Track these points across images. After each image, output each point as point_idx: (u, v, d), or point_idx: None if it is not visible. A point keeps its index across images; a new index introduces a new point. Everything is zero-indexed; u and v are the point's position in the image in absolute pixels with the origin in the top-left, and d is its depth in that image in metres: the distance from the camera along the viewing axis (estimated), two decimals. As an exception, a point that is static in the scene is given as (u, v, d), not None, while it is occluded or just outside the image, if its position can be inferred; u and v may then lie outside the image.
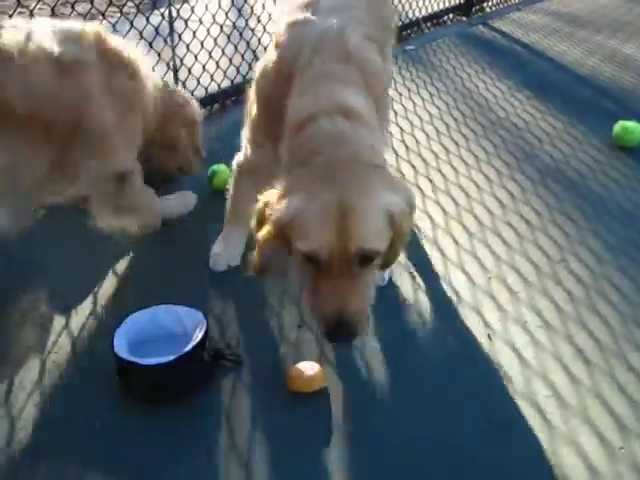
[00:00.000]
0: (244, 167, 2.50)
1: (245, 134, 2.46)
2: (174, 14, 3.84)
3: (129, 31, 3.58)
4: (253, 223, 1.97)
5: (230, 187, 2.60)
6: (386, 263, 1.95)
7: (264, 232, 1.87)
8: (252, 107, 2.34)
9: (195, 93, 3.95)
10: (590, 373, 2.16)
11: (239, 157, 2.53)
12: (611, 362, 2.20)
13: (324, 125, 1.92)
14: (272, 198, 1.88)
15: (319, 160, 1.87)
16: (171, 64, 3.87)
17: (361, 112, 1.99)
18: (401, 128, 3.80)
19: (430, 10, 5.85)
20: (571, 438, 1.94)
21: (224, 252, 2.59)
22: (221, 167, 3.08)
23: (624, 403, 2.05)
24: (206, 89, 4.02)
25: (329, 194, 1.76)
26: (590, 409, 2.03)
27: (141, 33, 3.63)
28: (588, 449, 1.91)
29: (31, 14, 3.05)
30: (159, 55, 3.76)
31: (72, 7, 3.43)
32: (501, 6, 6.52)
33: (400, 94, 4.26)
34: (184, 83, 3.96)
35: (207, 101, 4.04)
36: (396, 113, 3.99)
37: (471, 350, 2.24)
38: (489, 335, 2.30)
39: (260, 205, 1.93)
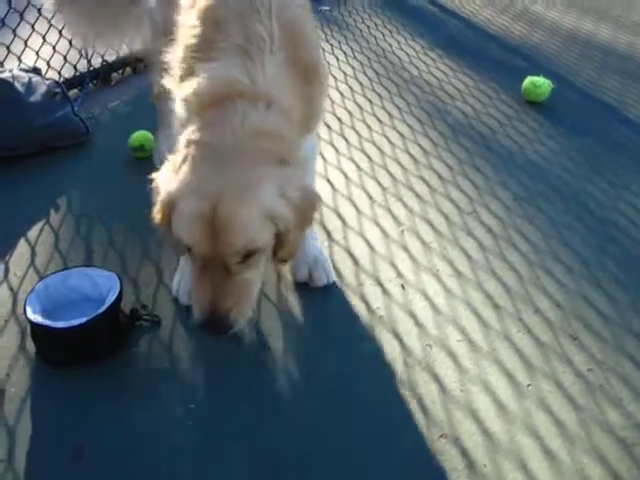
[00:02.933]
0: None
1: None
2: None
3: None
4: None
5: None
6: (283, 257, 1.88)
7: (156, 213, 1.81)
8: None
9: (105, 57, 3.87)
10: (499, 317, 2.24)
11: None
12: (519, 306, 2.28)
13: (240, 108, 1.75)
14: (159, 172, 1.83)
15: (216, 142, 1.73)
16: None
17: (286, 102, 1.83)
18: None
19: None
20: (481, 378, 2.01)
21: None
22: (145, 137, 3.04)
23: (531, 344, 2.14)
24: (117, 52, 3.92)
25: (208, 187, 1.67)
26: (499, 351, 2.11)
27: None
28: (497, 387, 1.99)
29: None
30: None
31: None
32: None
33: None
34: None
35: (118, 65, 3.95)
36: (311, 73, 3.97)
37: (385, 300, 2.29)
38: (402, 285, 2.35)
39: (152, 182, 1.85)
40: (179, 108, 1.91)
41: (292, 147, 1.85)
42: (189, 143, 1.77)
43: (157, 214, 1.80)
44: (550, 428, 1.87)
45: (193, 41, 1.93)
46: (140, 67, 3.93)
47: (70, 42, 3.72)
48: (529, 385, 2.00)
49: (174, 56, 2.05)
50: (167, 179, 1.77)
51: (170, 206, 1.73)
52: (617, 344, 2.14)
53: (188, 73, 1.92)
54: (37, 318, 2.03)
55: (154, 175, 1.85)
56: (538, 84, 3.67)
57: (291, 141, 1.85)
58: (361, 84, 3.89)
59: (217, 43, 1.87)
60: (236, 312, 1.74)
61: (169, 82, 2.08)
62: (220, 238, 1.66)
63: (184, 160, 1.75)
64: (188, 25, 1.97)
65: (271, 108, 1.78)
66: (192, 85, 1.84)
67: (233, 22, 1.88)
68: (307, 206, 1.83)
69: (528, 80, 3.70)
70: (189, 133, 1.79)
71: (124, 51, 3.89)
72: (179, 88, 1.95)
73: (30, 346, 2.09)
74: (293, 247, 1.87)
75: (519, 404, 1.94)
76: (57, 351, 2.05)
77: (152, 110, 2.41)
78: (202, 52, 1.89)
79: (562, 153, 3.22)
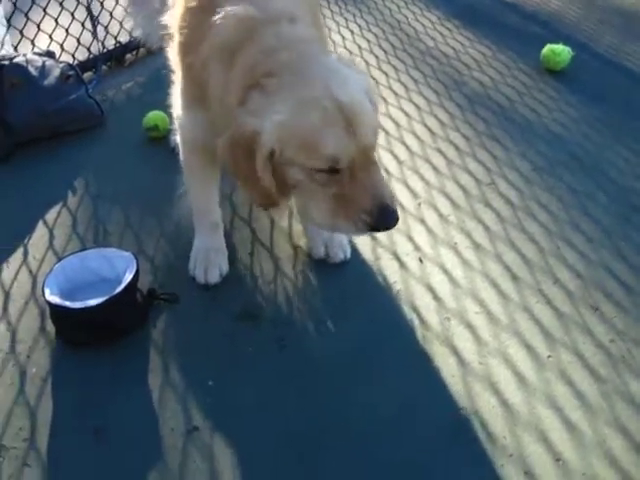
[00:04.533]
0: (189, 144, 2.19)
1: (177, 99, 2.18)
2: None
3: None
4: (227, 159, 1.78)
5: (186, 180, 2.30)
6: None
7: (251, 163, 1.69)
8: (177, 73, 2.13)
9: (119, 38, 3.86)
10: (518, 289, 2.21)
11: (179, 130, 2.21)
12: (538, 277, 2.25)
13: (270, 33, 1.77)
14: (238, 121, 1.70)
15: (276, 63, 1.70)
16: (92, 8, 3.74)
17: (303, 15, 1.88)
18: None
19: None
20: (500, 350, 2.00)
21: (213, 260, 2.27)
22: (159, 117, 3.02)
23: (551, 315, 2.11)
24: (130, 33, 3.90)
25: (316, 92, 1.64)
26: (519, 322, 2.09)
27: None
28: (517, 359, 1.97)
29: None
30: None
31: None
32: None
33: (329, 29, 4.20)
34: (106, 27, 3.85)
35: (132, 46, 3.94)
36: (326, 48, 3.93)
37: (403, 274, 2.27)
38: (420, 258, 2.33)
39: (228, 138, 1.74)
40: (213, 67, 1.84)
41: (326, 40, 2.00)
42: (250, 86, 1.72)
43: (259, 159, 1.67)
44: (570, 399, 1.85)
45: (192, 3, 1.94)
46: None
47: (83, 24, 3.71)
48: (549, 356, 1.98)
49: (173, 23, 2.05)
50: (257, 120, 1.66)
51: (282, 135, 1.65)
52: (639, 314, 2.10)
53: (195, 35, 1.91)
54: (55, 299, 2.04)
55: (232, 132, 1.72)
56: (557, 51, 3.59)
57: (324, 42, 1.98)
58: (377, 57, 3.84)
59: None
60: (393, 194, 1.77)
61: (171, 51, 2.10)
62: (359, 130, 1.64)
63: (259, 96, 1.69)
64: None
65: (295, 21, 1.82)
66: (213, 42, 1.82)
67: None
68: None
69: (547, 48, 3.62)
70: (241, 77, 1.75)
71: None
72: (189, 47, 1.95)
73: (50, 327, 2.11)
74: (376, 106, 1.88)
75: (539, 376, 1.92)
76: (76, 331, 2.06)
77: (166, 90, 2.40)
78: (203, 12, 1.88)
79: (582, 121, 3.16)
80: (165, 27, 2.24)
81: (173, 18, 2.09)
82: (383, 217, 1.69)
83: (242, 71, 1.76)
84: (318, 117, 1.62)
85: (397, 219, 1.71)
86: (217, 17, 1.83)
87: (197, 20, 1.92)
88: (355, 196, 1.68)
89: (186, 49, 1.99)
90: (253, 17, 1.80)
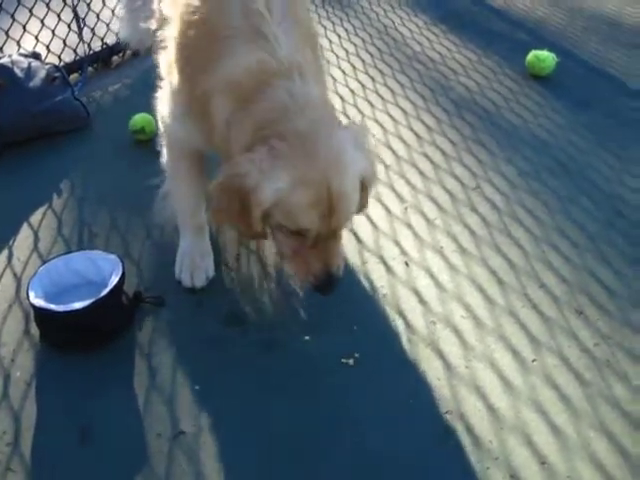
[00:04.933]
0: (176, 150, 2.23)
1: (166, 105, 2.19)
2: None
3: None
4: (219, 198, 1.86)
5: (170, 184, 2.32)
6: (364, 205, 2.02)
7: (242, 209, 1.81)
8: (172, 74, 2.12)
9: (105, 40, 3.85)
10: (504, 293, 2.22)
11: (166, 135, 2.24)
12: (524, 281, 2.27)
13: (283, 89, 1.82)
14: (240, 170, 1.79)
15: (289, 129, 1.79)
16: (78, 10, 3.72)
17: (309, 61, 1.93)
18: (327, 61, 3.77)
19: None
20: (486, 354, 2.00)
21: (199, 264, 2.27)
22: (146, 120, 3.02)
23: (537, 319, 2.13)
24: (117, 35, 3.89)
25: (315, 175, 1.75)
26: (504, 326, 2.10)
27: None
28: (502, 363, 1.98)
29: None
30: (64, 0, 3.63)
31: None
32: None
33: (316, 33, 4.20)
34: (92, 29, 3.83)
35: (119, 48, 3.92)
36: (312, 52, 3.94)
37: (389, 278, 2.28)
38: (406, 262, 2.34)
39: (226, 180, 1.83)
40: (220, 101, 1.90)
41: (329, 97, 2.04)
42: (260, 139, 1.81)
43: (255, 211, 1.80)
44: (556, 403, 1.86)
45: (193, 18, 1.94)
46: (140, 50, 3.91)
47: (69, 26, 3.69)
48: (534, 360, 1.99)
49: (170, 34, 2.04)
50: (260, 178, 1.76)
51: (273, 201, 1.78)
52: (623, 318, 2.12)
53: (199, 59, 1.94)
54: (40, 302, 2.03)
55: (233, 176, 1.81)
56: (542, 58, 3.62)
57: (327, 92, 2.03)
58: (363, 61, 3.85)
59: (223, 29, 1.89)
60: (340, 264, 1.93)
61: (164, 60, 2.09)
62: (336, 213, 1.79)
63: (268, 156, 1.77)
64: (183, 2, 1.98)
65: (304, 74, 1.86)
66: (222, 77, 1.87)
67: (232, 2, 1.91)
68: (369, 143, 1.97)
69: (532, 54, 3.66)
70: (250, 128, 1.83)
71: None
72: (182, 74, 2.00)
73: (34, 330, 2.10)
74: (366, 204, 2.03)
75: (524, 380, 1.93)
76: (61, 334, 2.05)
77: (153, 92, 2.40)
78: (208, 36, 1.91)
79: (567, 127, 3.19)
80: (154, 34, 2.25)
81: (169, 31, 2.10)
82: (325, 284, 1.89)
83: (254, 122, 1.84)
84: (309, 199, 1.76)
85: (336, 287, 1.91)
86: (226, 50, 1.88)
87: (201, 43, 1.94)
88: (310, 258, 1.87)
89: (186, 68, 2.01)
90: (265, 67, 1.84)
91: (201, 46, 1.95)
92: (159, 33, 2.25)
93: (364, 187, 1.92)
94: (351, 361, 1.99)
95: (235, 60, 1.87)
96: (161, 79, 2.22)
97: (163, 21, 2.22)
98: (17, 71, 3.09)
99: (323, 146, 1.78)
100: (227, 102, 1.88)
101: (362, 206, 1.99)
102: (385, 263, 2.34)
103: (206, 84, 1.91)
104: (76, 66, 3.69)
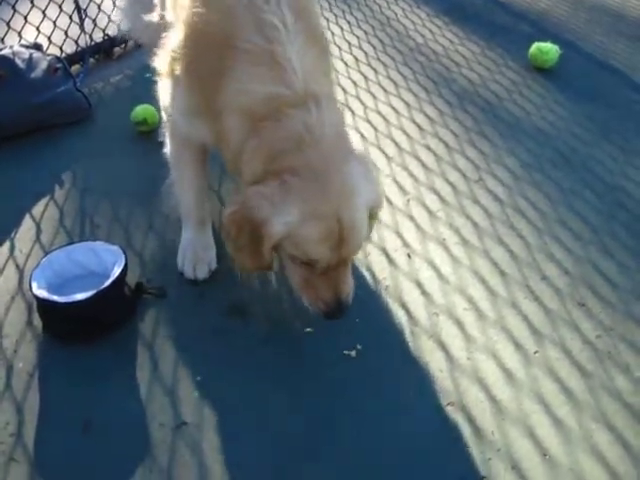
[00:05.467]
0: (180, 141, 2.22)
1: (171, 98, 2.16)
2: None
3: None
4: (229, 228, 1.87)
5: (173, 175, 2.31)
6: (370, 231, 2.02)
7: (252, 240, 1.82)
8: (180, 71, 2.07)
9: (107, 31, 3.84)
10: (506, 285, 2.22)
11: (170, 127, 2.24)
12: (526, 273, 2.26)
13: (298, 119, 1.80)
14: (252, 203, 1.79)
15: (302, 162, 1.78)
16: (79, 1, 3.71)
17: (324, 89, 1.90)
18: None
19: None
20: (488, 346, 2.01)
21: (202, 256, 2.28)
22: (148, 111, 3.01)
23: (539, 311, 2.13)
24: (118, 26, 3.88)
25: (326, 209, 1.75)
26: (506, 318, 2.10)
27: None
28: (505, 355, 1.98)
29: None
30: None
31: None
32: None
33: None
34: (94, 20, 3.82)
35: (120, 39, 3.91)
36: (315, 43, 3.93)
37: (392, 270, 2.28)
38: (409, 254, 2.34)
39: (237, 212, 1.83)
40: (233, 121, 1.89)
41: (345, 127, 1.99)
42: (272, 172, 1.80)
43: (266, 243, 1.81)
44: (558, 395, 1.86)
45: (200, 25, 1.92)
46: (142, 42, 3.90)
47: (70, 17, 3.69)
48: (536, 352, 1.99)
49: (175, 40, 2.03)
50: (271, 212, 1.77)
51: (284, 234, 1.78)
52: (626, 310, 2.12)
53: (208, 69, 1.92)
54: (42, 293, 2.03)
55: (244, 208, 1.81)
56: (545, 50, 3.60)
57: (343, 121, 1.99)
58: (366, 53, 3.83)
59: (234, 40, 1.86)
60: (350, 292, 1.93)
61: (163, 63, 2.09)
62: (345, 245, 1.80)
63: (279, 191, 1.77)
64: (188, 5, 1.97)
65: (319, 103, 1.83)
66: (236, 98, 1.86)
67: (242, 10, 1.88)
68: (376, 173, 2.02)
69: (535, 46, 3.64)
70: (263, 157, 1.83)
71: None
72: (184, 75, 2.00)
73: (37, 321, 2.10)
74: (379, 212, 2.02)
75: (526, 371, 1.93)
76: (63, 326, 2.05)
77: (154, 84, 2.40)
78: (218, 45, 1.88)
79: (570, 119, 3.18)
80: (156, 27, 2.24)
81: (173, 36, 2.08)
82: (334, 311, 1.89)
83: (266, 153, 1.83)
84: (319, 233, 1.77)
85: (345, 313, 1.92)
86: (239, 67, 1.85)
87: (210, 52, 1.91)
88: (320, 286, 1.87)
89: (194, 72, 1.99)
90: (280, 97, 1.82)
91: (211, 55, 1.91)
92: (162, 32, 2.23)
93: (371, 216, 1.92)
94: (353, 353, 1.99)
95: (249, 84, 1.84)
96: (160, 71, 2.21)
97: (166, 22, 2.22)
98: (18, 62, 3.08)
99: (335, 180, 1.78)
100: (240, 124, 1.87)
101: (368, 233, 1.98)
102: (387, 255, 2.34)
103: (218, 100, 1.90)
104: (77, 57, 3.69)
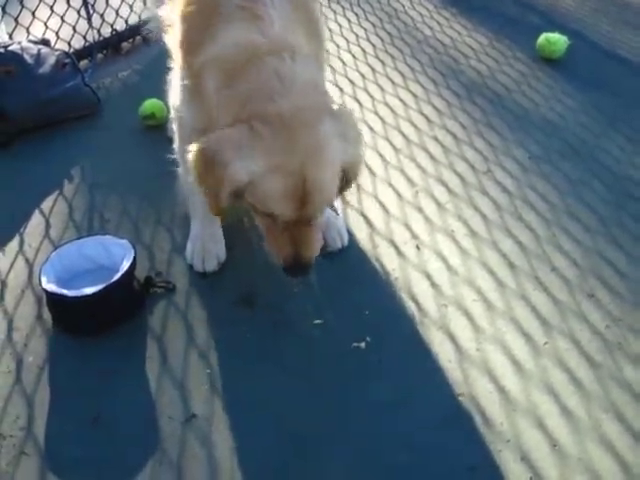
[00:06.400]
0: (186, 134, 2.17)
1: (174, 88, 2.20)
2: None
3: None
4: (195, 170, 1.82)
5: (182, 170, 2.28)
6: (349, 188, 1.97)
7: (214, 182, 1.78)
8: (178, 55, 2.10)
9: (115, 26, 3.85)
10: (515, 276, 2.22)
11: (176, 120, 2.25)
12: (535, 265, 2.26)
13: (270, 66, 1.77)
14: (218, 143, 1.76)
15: (273, 111, 1.72)
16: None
17: (303, 45, 1.88)
18: (327, 50, 3.75)
19: None
20: (497, 337, 2.00)
21: (210, 249, 2.28)
22: (156, 105, 3.02)
23: (548, 302, 2.12)
24: (126, 21, 3.89)
25: (291, 162, 1.71)
26: (515, 310, 2.10)
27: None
28: (514, 346, 1.98)
29: None
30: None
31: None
32: None
33: (326, 17, 4.19)
34: (102, 15, 3.83)
35: (128, 34, 3.92)
36: (322, 36, 3.92)
37: (401, 261, 2.28)
38: (417, 246, 2.34)
39: (202, 150, 1.79)
40: (209, 76, 1.89)
41: (324, 83, 1.97)
42: (243, 117, 1.76)
43: (225, 187, 1.76)
44: (567, 386, 1.86)
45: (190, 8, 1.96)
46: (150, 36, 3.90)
47: (78, 12, 3.69)
48: (545, 343, 1.98)
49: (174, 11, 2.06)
50: (235, 156, 1.73)
51: (245, 183, 1.74)
52: (635, 301, 2.11)
53: (195, 36, 1.93)
54: (52, 287, 2.04)
55: (209, 147, 1.78)
56: (553, 40, 3.59)
57: (322, 78, 1.96)
58: (373, 46, 3.83)
59: (220, 7, 1.88)
60: (314, 256, 1.88)
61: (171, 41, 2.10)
62: (309, 203, 1.75)
63: (246, 136, 1.73)
64: None
65: (295, 55, 1.80)
66: (213, 53, 1.86)
67: None
68: (361, 159, 1.91)
69: (543, 37, 3.62)
70: (235, 105, 1.79)
71: (134, 20, 3.88)
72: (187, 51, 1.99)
73: (47, 315, 2.11)
74: (350, 187, 1.96)
75: (535, 362, 1.93)
76: (72, 320, 2.06)
77: (163, 78, 2.40)
78: (206, 13, 1.90)
79: (578, 110, 3.16)
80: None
81: (173, 12, 2.10)
82: (294, 268, 1.87)
83: (239, 99, 1.79)
84: (282, 188, 1.73)
85: (307, 273, 1.90)
86: (220, 27, 1.86)
87: (198, 20, 1.93)
88: (282, 240, 1.84)
89: (186, 47, 2.01)
90: (255, 44, 1.80)
91: (198, 23, 1.93)
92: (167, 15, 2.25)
93: (347, 178, 1.87)
94: (363, 345, 2.00)
95: (227, 37, 1.85)
96: (171, 61, 2.23)
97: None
98: (27, 57, 3.09)
99: (305, 135, 1.73)
100: (215, 77, 1.86)
101: (344, 192, 1.96)
102: (396, 247, 2.34)
103: (199, 60, 1.90)
104: (85, 52, 3.69)
